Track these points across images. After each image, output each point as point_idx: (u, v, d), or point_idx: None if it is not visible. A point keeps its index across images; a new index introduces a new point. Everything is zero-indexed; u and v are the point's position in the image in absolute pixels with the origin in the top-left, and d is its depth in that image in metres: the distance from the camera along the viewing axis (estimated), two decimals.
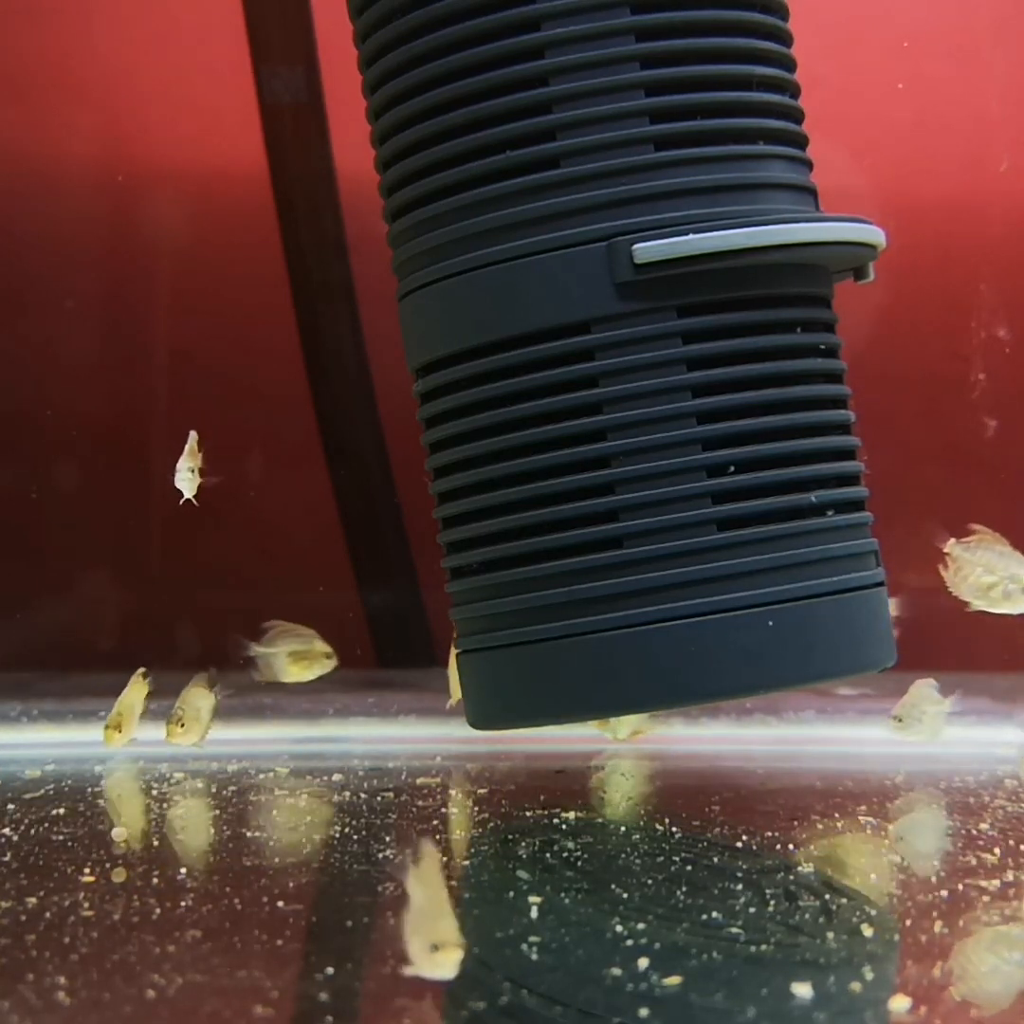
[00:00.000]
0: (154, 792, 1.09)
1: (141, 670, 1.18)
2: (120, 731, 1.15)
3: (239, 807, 1.05)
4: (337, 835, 0.97)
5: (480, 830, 0.99)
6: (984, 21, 1.49)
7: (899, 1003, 0.66)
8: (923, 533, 1.10)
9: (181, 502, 1.18)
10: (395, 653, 1.59)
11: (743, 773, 1.18)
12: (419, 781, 1.13)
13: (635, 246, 0.90)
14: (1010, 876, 0.86)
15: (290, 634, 1.24)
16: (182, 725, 1.14)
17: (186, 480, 1.17)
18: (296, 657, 1.23)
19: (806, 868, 0.88)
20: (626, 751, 1.23)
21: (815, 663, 0.92)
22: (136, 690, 1.17)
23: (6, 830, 0.97)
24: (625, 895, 0.82)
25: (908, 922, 0.78)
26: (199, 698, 1.16)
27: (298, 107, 1.50)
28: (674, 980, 0.69)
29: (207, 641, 1.55)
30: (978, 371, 1.49)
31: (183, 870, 0.88)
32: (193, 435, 1.17)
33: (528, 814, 1.02)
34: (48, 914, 0.79)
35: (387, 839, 0.95)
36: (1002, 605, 1.09)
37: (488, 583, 0.96)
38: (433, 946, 0.64)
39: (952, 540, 1.09)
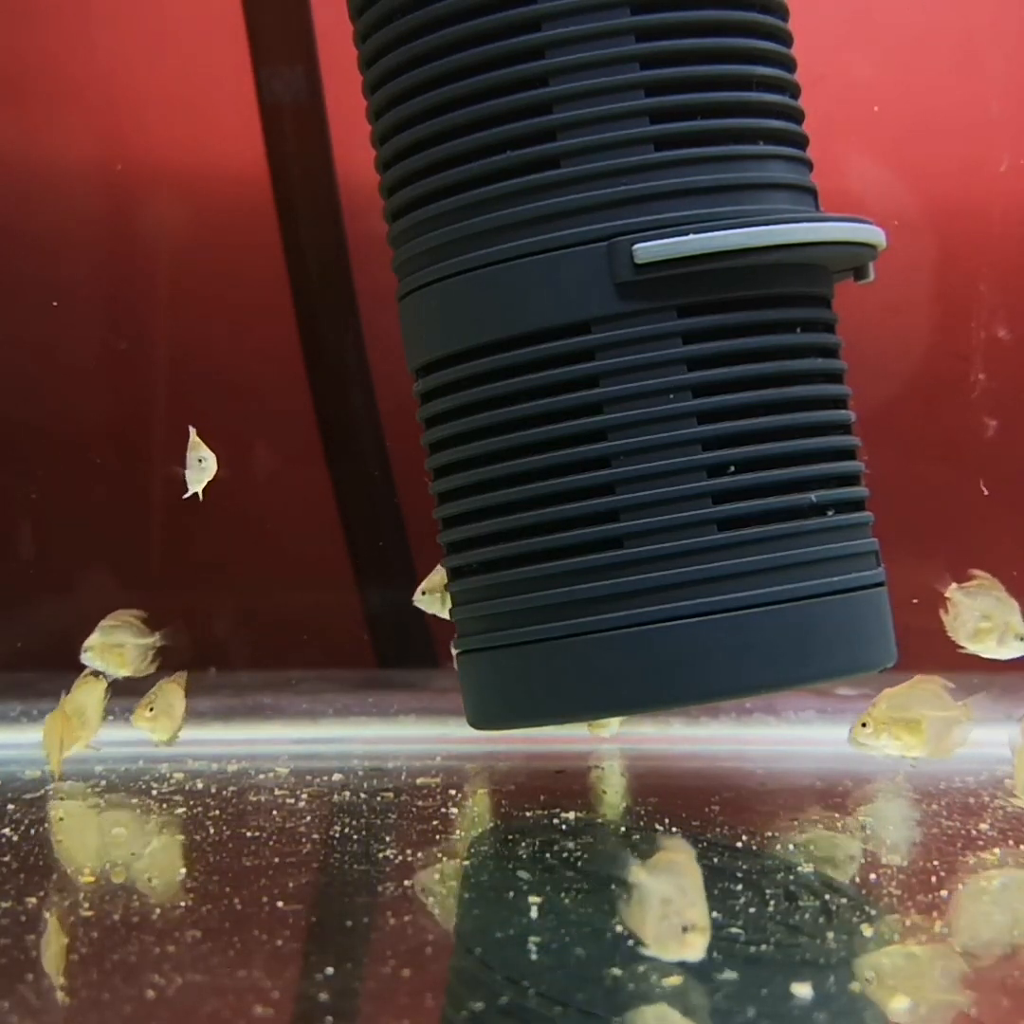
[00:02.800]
0: (154, 792, 1.09)
1: (88, 671, 1.15)
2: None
3: (239, 807, 1.05)
4: (337, 835, 0.97)
5: (480, 830, 0.99)
6: (984, 21, 1.49)
7: (899, 1003, 0.66)
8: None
9: (185, 496, 1.15)
10: (395, 653, 1.59)
11: (743, 773, 1.18)
12: (419, 781, 1.13)
13: (635, 246, 0.90)
14: (1010, 876, 0.86)
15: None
16: (151, 709, 1.12)
17: (196, 472, 1.14)
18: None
19: (806, 868, 0.88)
20: (626, 751, 1.23)
21: (815, 663, 0.92)
22: (83, 691, 1.13)
23: (6, 830, 0.97)
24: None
25: (908, 922, 0.78)
26: (173, 694, 1.14)
27: (298, 107, 1.50)
28: (674, 980, 0.68)
29: (207, 641, 1.55)
30: (978, 371, 1.49)
31: (183, 870, 0.88)
32: (192, 429, 1.16)
33: (528, 814, 1.02)
34: (48, 914, 0.79)
35: (387, 839, 0.95)
36: (996, 651, 1.10)
37: (488, 583, 0.96)
38: (685, 927, 0.67)
39: (953, 585, 1.10)
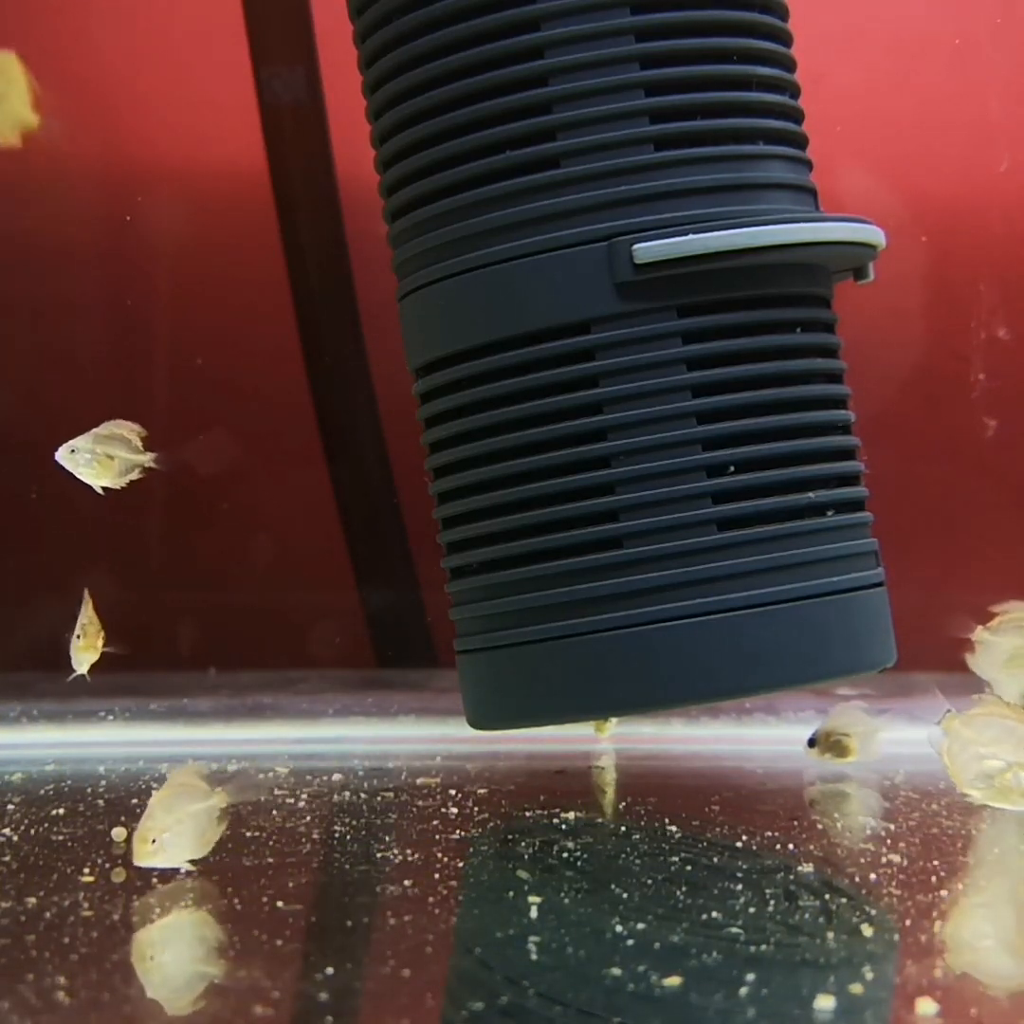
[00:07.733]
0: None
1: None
2: None
3: (239, 807, 1.05)
4: (337, 835, 0.97)
5: (480, 830, 0.99)
6: (984, 21, 1.49)
7: (902, 1004, 0.66)
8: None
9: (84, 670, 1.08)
10: (395, 653, 1.59)
11: (743, 773, 1.18)
12: (419, 781, 1.13)
13: (635, 246, 0.90)
14: (1009, 876, 0.86)
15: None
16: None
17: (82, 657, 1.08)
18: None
19: (806, 868, 0.88)
20: (626, 751, 1.23)
21: (815, 663, 0.92)
22: None
23: (6, 830, 0.97)
24: (625, 895, 0.82)
25: (908, 922, 0.78)
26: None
27: (298, 107, 1.50)
28: (674, 980, 0.68)
29: (207, 641, 1.55)
30: (978, 371, 1.49)
31: (183, 870, 0.88)
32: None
33: (528, 814, 1.02)
34: (48, 914, 0.79)
35: (387, 839, 0.95)
36: None
37: (488, 583, 0.96)
38: None
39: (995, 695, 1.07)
